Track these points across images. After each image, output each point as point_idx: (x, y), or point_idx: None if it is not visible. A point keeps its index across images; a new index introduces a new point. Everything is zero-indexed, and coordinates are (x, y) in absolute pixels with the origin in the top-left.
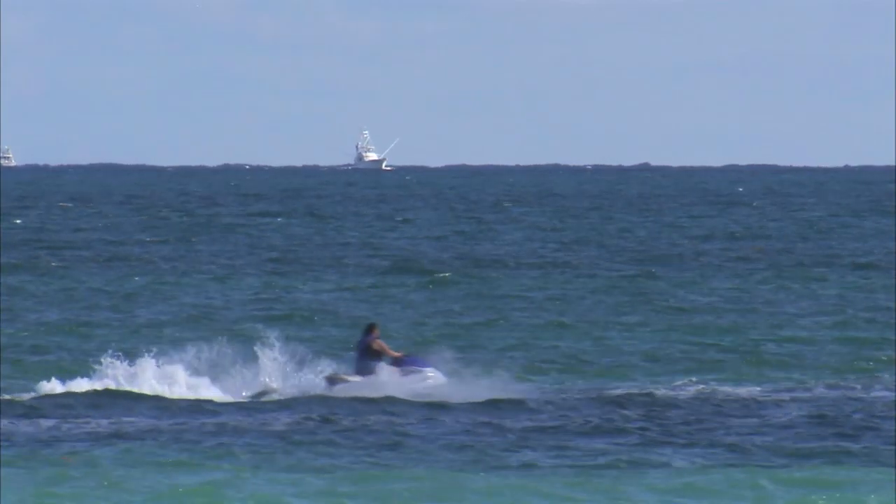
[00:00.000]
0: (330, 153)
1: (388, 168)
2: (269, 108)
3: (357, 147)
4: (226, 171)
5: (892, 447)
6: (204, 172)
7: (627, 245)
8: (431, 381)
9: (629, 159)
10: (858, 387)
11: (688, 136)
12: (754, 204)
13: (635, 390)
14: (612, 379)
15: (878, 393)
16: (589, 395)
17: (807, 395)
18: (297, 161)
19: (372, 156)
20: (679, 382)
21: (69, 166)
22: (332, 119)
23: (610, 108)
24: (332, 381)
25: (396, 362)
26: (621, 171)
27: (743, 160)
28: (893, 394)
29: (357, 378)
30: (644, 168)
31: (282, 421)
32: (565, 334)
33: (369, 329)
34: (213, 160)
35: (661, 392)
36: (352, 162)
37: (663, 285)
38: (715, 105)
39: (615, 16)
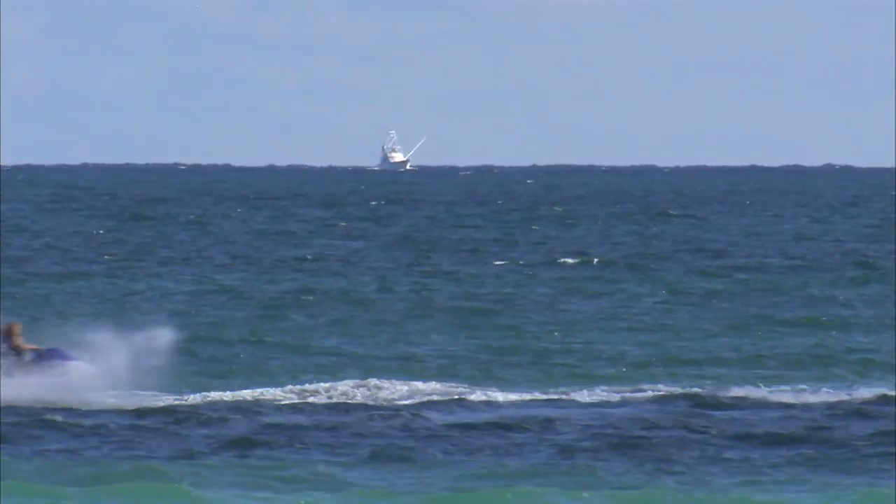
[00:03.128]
0: (347, 154)
1: (412, 169)
2: (283, 108)
3: (383, 148)
4: (262, 171)
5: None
6: (222, 171)
7: None
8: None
9: (627, 160)
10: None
11: (688, 136)
12: None
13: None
14: None
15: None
16: None
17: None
18: (318, 162)
19: (398, 156)
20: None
21: (65, 166)
22: (355, 120)
23: (611, 108)
24: None
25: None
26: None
27: (742, 160)
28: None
29: None
30: (651, 168)
31: None
32: None
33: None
34: (220, 160)
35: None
36: (378, 163)
37: None
38: (715, 105)
39: (615, 15)
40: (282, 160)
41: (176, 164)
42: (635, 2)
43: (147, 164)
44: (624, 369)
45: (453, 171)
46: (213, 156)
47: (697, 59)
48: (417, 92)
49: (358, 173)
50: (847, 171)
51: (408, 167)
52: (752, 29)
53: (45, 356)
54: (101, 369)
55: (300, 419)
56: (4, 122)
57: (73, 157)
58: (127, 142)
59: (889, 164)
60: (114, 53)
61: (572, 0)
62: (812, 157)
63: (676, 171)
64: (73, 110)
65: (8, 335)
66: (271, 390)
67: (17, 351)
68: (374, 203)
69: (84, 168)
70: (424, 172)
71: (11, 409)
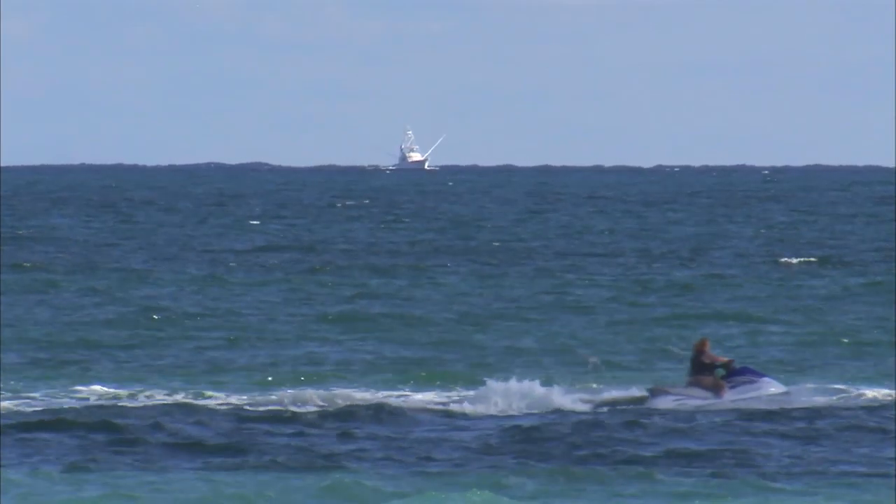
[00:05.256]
0: (368, 153)
1: (431, 168)
2: (297, 108)
3: (401, 147)
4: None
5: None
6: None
7: None
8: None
9: (634, 160)
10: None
11: (688, 136)
12: None
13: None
14: None
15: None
16: None
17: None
18: (336, 161)
19: (416, 156)
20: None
21: (65, 167)
22: (359, 120)
23: (613, 108)
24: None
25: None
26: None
27: (743, 160)
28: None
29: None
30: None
31: None
32: None
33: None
34: (236, 159)
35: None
36: (396, 162)
37: None
38: (715, 105)
39: (616, 15)
40: (287, 160)
41: (174, 165)
42: (637, 2)
43: (145, 166)
44: None
45: (478, 170)
46: (217, 156)
47: (698, 58)
48: (420, 92)
49: (387, 174)
50: (846, 171)
51: (426, 167)
52: (752, 29)
53: (736, 372)
54: (789, 388)
55: None
56: (4, 123)
57: (74, 158)
58: (128, 142)
59: (889, 163)
60: (115, 54)
61: (574, 0)
62: (810, 158)
63: (680, 171)
64: (73, 111)
65: (700, 351)
66: None
67: (708, 366)
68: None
69: (84, 168)
70: (448, 171)
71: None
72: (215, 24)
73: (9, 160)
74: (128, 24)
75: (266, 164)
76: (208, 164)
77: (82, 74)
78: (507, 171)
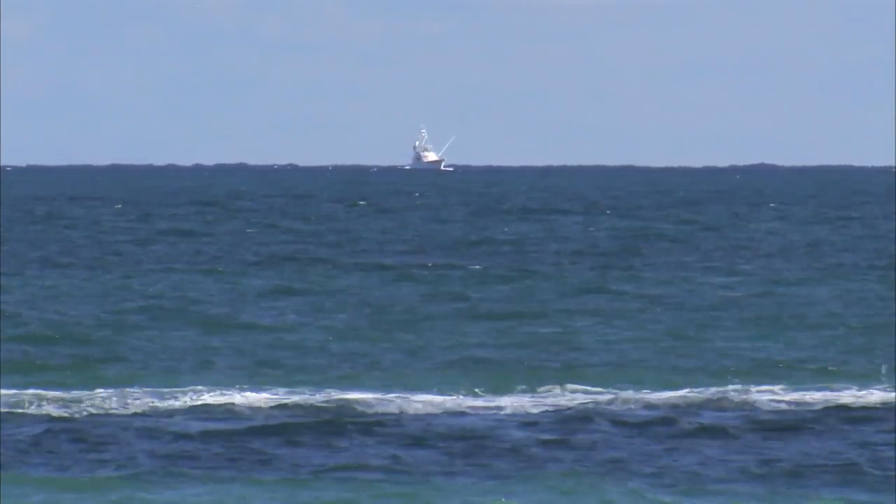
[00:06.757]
0: (373, 153)
1: (448, 168)
2: (297, 108)
3: (414, 147)
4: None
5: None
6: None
7: None
8: None
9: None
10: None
11: (688, 136)
12: None
13: None
14: None
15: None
16: None
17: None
18: (338, 161)
19: (431, 156)
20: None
21: (65, 167)
22: (363, 120)
23: (613, 108)
24: None
25: None
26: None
27: (742, 160)
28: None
29: None
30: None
31: None
32: None
33: None
34: (253, 160)
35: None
36: (409, 162)
37: None
38: (715, 105)
39: (615, 15)
40: (293, 160)
41: (173, 165)
42: (637, 2)
43: (147, 166)
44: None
45: (493, 170)
46: (218, 156)
47: (699, 59)
48: (420, 92)
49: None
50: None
51: (442, 167)
52: (753, 29)
53: None
54: None
55: None
56: (4, 123)
57: (74, 158)
58: (127, 142)
59: (890, 163)
60: (115, 54)
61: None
62: (810, 158)
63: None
64: (73, 111)
65: None
66: None
67: None
68: None
69: (85, 169)
70: (462, 172)
71: None
72: (215, 24)
73: (9, 160)
74: (127, 24)
75: (272, 165)
76: (198, 165)
77: (82, 74)
78: (531, 172)
